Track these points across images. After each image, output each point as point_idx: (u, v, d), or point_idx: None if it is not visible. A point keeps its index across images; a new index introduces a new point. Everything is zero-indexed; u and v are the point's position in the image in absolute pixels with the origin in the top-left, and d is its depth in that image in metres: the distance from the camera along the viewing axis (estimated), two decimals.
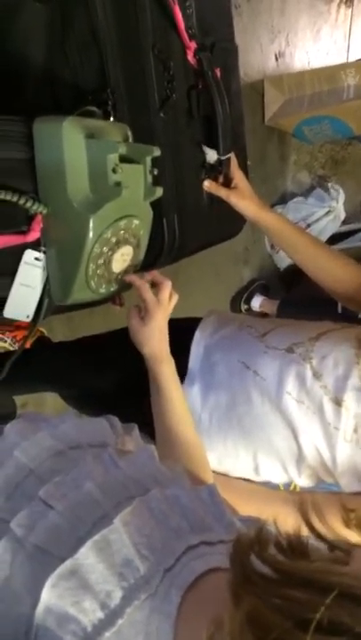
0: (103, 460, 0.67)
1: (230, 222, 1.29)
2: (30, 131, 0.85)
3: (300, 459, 1.05)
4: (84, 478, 0.61)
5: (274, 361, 1.05)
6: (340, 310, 1.81)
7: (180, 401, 0.95)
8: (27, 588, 0.52)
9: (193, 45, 1.08)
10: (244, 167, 1.22)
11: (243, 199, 1.14)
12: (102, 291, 0.93)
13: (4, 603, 0.52)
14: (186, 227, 1.14)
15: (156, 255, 1.11)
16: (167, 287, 0.98)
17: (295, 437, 1.03)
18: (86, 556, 0.51)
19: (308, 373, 1.01)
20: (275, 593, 0.41)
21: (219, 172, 1.15)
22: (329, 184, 3.28)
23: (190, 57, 1.08)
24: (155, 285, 0.98)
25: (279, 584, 0.42)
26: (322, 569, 0.42)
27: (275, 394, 1.04)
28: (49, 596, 0.49)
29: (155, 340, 0.96)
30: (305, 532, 0.46)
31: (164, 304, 0.98)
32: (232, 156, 1.15)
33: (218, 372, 1.12)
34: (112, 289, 0.96)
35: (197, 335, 1.18)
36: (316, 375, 1.01)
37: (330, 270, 1.16)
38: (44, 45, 1.03)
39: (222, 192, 1.14)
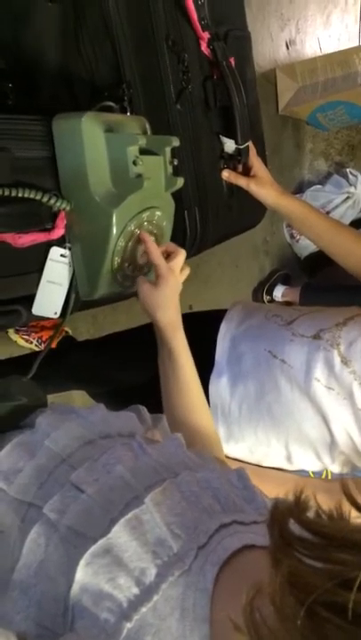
0: (133, 447, 0.68)
1: (251, 212, 1.29)
2: (50, 129, 0.85)
3: (332, 445, 1.05)
4: (114, 463, 0.62)
5: (301, 348, 1.05)
6: None
7: (191, 367, 0.94)
8: (61, 569, 0.53)
9: (206, 36, 1.08)
10: (262, 155, 1.22)
11: (263, 187, 1.14)
12: (128, 283, 0.94)
13: (41, 585, 0.53)
14: (207, 218, 1.15)
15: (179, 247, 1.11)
16: (181, 255, 0.95)
17: (326, 424, 1.03)
18: (119, 534, 0.52)
19: (337, 359, 1.01)
20: (315, 555, 0.42)
21: (238, 161, 1.15)
22: (347, 170, 3.25)
23: (204, 47, 1.08)
24: (168, 255, 0.96)
25: (320, 546, 0.42)
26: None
27: (303, 381, 1.04)
28: (83, 574, 0.50)
29: (168, 305, 0.94)
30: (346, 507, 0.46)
31: (177, 271, 0.95)
32: (250, 144, 1.15)
33: (245, 362, 1.12)
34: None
35: (223, 327, 1.18)
36: (345, 361, 1.00)
37: (355, 252, 1.15)
38: (58, 44, 1.04)
39: (242, 181, 1.14)
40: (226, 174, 1.15)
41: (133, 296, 1.05)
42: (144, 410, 0.83)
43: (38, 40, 1.05)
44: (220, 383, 1.13)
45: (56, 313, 0.92)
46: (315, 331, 1.06)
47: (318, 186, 3.22)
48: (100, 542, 0.52)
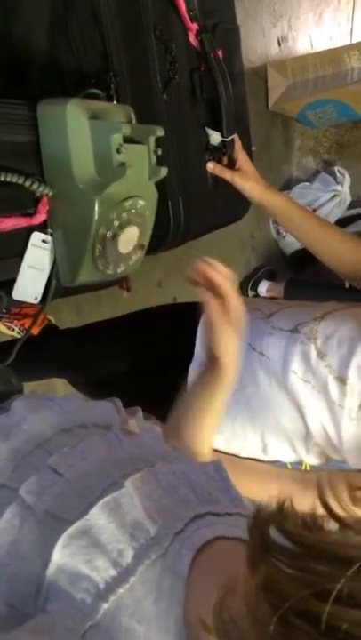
0: (109, 437, 0.68)
1: (235, 205, 1.29)
2: (34, 114, 0.85)
3: (307, 437, 1.06)
4: (91, 451, 0.63)
5: (280, 341, 1.06)
6: (347, 285, 1.81)
7: (219, 415, 0.92)
8: (36, 550, 0.53)
9: (194, 27, 1.08)
10: (248, 149, 1.23)
11: (247, 181, 1.14)
12: (110, 272, 0.94)
13: (12, 566, 0.53)
14: (191, 209, 1.15)
15: (162, 238, 1.12)
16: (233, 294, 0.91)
17: (302, 416, 1.04)
18: (97, 516, 0.53)
19: (313, 353, 1.02)
20: (293, 564, 0.42)
21: (223, 153, 1.16)
22: (335, 168, 3.27)
23: (192, 39, 1.09)
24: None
25: (298, 555, 0.42)
26: (341, 542, 0.43)
27: (281, 374, 1.05)
28: (61, 555, 0.50)
29: (237, 352, 0.91)
30: (320, 510, 0.47)
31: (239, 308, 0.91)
32: (235, 137, 1.15)
33: None
34: (119, 270, 0.97)
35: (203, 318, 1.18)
36: (320, 355, 1.01)
37: (338, 250, 1.15)
38: (47, 31, 1.04)
39: (226, 174, 1.15)
40: (211, 166, 1.15)
41: (115, 284, 1.06)
42: (119, 402, 0.83)
43: (27, 28, 1.05)
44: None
45: (36, 298, 0.93)
46: (293, 324, 1.07)
47: (306, 183, 3.23)
48: (78, 524, 0.52)
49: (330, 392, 0.99)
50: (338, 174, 3.23)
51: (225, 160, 1.17)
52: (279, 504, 0.47)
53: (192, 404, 0.93)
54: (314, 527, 0.45)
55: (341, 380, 0.98)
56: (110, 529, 0.52)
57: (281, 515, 0.46)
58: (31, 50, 1.05)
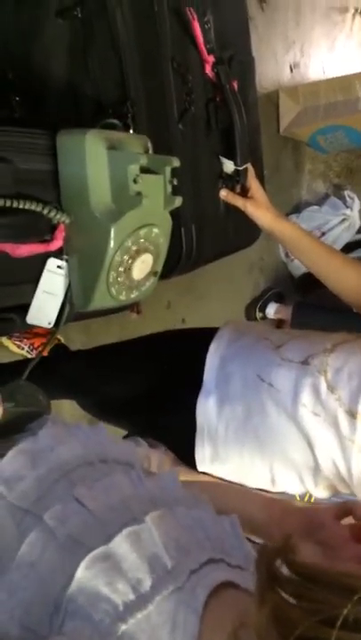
0: (131, 476, 0.70)
1: (246, 232, 1.31)
2: (53, 143, 0.87)
3: (316, 470, 1.06)
4: (114, 488, 0.65)
5: (289, 373, 1.06)
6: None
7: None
8: (55, 573, 0.55)
9: (211, 59, 1.10)
10: (260, 177, 1.24)
11: (259, 209, 1.16)
12: (123, 298, 0.96)
13: (29, 589, 0.55)
14: (203, 236, 1.17)
15: (175, 263, 1.13)
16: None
17: (311, 449, 1.04)
18: (119, 544, 0.55)
19: (323, 385, 1.02)
20: (300, 594, 0.44)
21: (236, 182, 1.17)
22: (345, 192, 3.29)
23: (208, 70, 1.11)
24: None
25: (304, 586, 0.44)
26: (345, 572, 0.44)
27: (290, 406, 1.05)
28: (83, 575, 0.52)
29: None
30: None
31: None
32: (249, 166, 1.17)
33: (233, 384, 1.13)
34: (132, 296, 0.98)
35: (213, 345, 1.19)
36: (330, 388, 1.01)
37: (346, 279, 1.16)
38: (66, 60, 1.06)
39: (239, 202, 1.16)
40: (224, 194, 1.17)
41: (126, 309, 1.07)
42: (141, 440, 0.85)
43: (47, 55, 1.07)
44: (208, 404, 1.14)
45: (50, 323, 0.94)
46: (303, 356, 1.07)
47: (315, 207, 3.25)
48: (101, 548, 0.54)
49: (340, 426, 0.99)
50: (348, 198, 3.25)
51: (238, 188, 1.18)
52: (285, 539, 0.48)
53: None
54: (320, 559, 0.47)
55: (352, 414, 0.98)
56: (131, 558, 0.54)
57: (286, 548, 0.47)
58: (50, 77, 1.08)
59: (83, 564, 0.52)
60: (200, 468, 1.16)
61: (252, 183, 1.18)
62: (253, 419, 1.09)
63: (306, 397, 1.03)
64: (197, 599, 0.51)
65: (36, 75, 1.07)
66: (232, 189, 1.18)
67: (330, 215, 3.17)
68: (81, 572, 0.52)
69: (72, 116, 1.06)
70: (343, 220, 3.16)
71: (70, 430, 0.76)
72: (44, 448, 0.70)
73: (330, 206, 3.22)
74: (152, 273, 1.00)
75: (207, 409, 1.14)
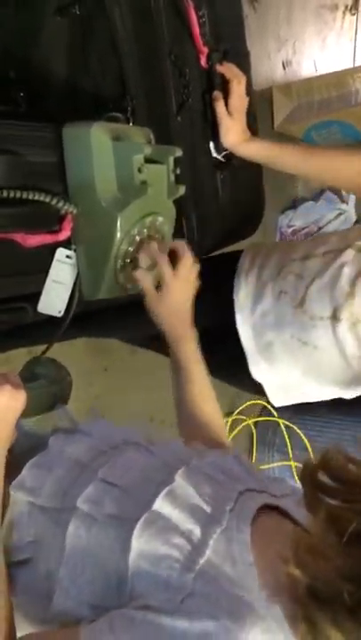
0: (141, 451, 0.75)
1: (246, 221, 1.33)
2: (59, 136, 0.90)
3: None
4: (131, 463, 0.70)
5: (326, 333, 1.08)
6: None
7: (200, 379, 0.94)
8: (107, 550, 0.59)
9: (206, 50, 1.12)
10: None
11: (230, 130, 1.13)
12: (130, 286, 0.98)
13: (88, 571, 0.60)
14: (204, 225, 1.19)
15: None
16: (187, 259, 0.93)
17: None
18: (161, 506, 0.60)
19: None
20: (348, 498, 0.50)
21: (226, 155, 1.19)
22: None
23: (203, 62, 1.13)
24: (175, 257, 0.93)
25: (350, 491, 0.51)
26: None
27: (340, 358, 1.09)
28: (138, 543, 0.57)
29: (173, 318, 0.92)
30: None
31: (183, 278, 0.92)
32: (243, 80, 1.15)
33: (277, 351, 1.15)
34: (139, 285, 1.00)
35: (238, 317, 1.18)
36: None
37: (337, 173, 1.17)
38: (66, 56, 1.08)
39: (221, 110, 1.12)
40: (215, 95, 1.14)
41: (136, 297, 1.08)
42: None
43: (47, 52, 1.10)
44: (261, 370, 1.18)
45: (60, 312, 0.96)
46: (330, 309, 1.07)
47: (311, 202, 3.27)
48: (147, 514, 0.59)
49: None
50: (343, 193, 3.27)
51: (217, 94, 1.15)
52: (323, 453, 0.55)
53: (175, 380, 0.96)
54: (356, 463, 0.53)
55: None
56: (175, 514, 0.59)
57: (326, 459, 0.54)
58: (51, 73, 1.10)
59: (135, 532, 0.57)
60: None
61: (237, 103, 1.14)
62: (311, 373, 1.15)
63: (351, 349, 1.07)
64: (244, 532, 0.57)
65: (37, 72, 1.09)
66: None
67: (326, 210, 3.19)
68: (136, 540, 0.57)
69: (73, 111, 1.08)
70: (339, 214, 3.18)
71: (73, 434, 0.80)
72: (54, 454, 0.75)
73: (326, 201, 3.25)
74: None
75: (261, 374, 1.19)
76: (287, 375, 1.17)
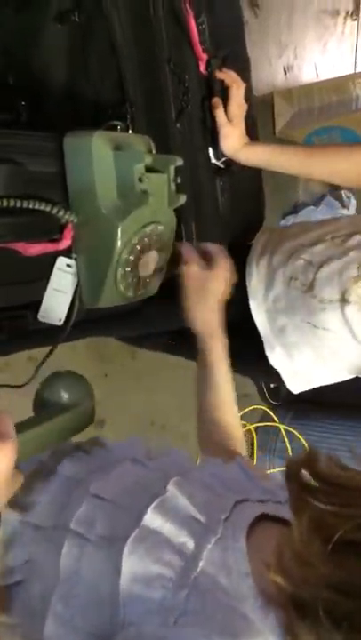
0: (137, 463, 0.74)
1: (245, 229, 1.33)
2: (60, 145, 0.90)
3: None
4: (125, 475, 0.68)
5: (335, 315, 1.10)
6: None
7: (224, 383, 0.96)
8: (101, 573, 0.58)
9: (205, 57, 1.13)
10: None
11: (230, 135, 1.16)
12: (130, 295, 0.98)
13: (82, 596, 0.58)
14: (203, 232, 1.19)
15: (177, 261, 1.15)
16: (224, 261, 0.99)
17: None
18: (152, 520, 0.58)
19: None
20: (333, 501, 0.48)
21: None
22: (342, 192, 3.32)
23: (203, 68, 1.13)
24: (207, 258, 0.99)
25: (336, 493, 0.49)
26: None
27: (354, 340, 1.11)
28: (130, 564, 0.55)
29: (208, 316, 0.98)
30: None
31: (221, 278, 0.98)
32: (241, 86, 1.17)
33: (290, 335, 1.18)
34: (139, 293, 1.01)
35: (252, 303, 1.21)
36: None
37: (335, 169, 1.18)
38: (65, 64, 1.09)
39: (221, 118, 1.15)
40: (214, 101, 1.15)
41: (137, 306, 1.09)
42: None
43: (47, 59, 1.10)
44: (276, 354, 1.20)
45: (60, 320, 0.96)
46: (339, 293, 1.10)
47: (312, 207, 3.28)
48: (137, 532, 0.57)
49: None
50: (344, 198, 3.27)
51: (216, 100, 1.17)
52: (307, 452, 0.53)
53: (200, 378, 0.97)
54: (343, 467, 0.52)
55: None
56: (167, 527, 0.57)
57: (310, 459, 0.52)
58: (50, 82, 1.10)
59: (126, 551, 0.55)
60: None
61: (236, 110, 1.16)
62: (327, 358, 1.17)
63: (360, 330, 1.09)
64: (239, 540, 0.55)
65: (37, 79, 1.09)
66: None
67: (326, 215, 3.20)
68: (127, 560, 0.55)
69: (73, 118, 1.08)
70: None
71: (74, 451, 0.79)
72: (47, 473, 0.74)
73: (326, 206, 3.25)
74: (158, 270, 1.02)
75: (277, 359, 1.20)
76: (301, 359, 1.19)
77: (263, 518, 0.59)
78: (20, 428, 0.64)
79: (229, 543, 0.56)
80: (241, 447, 0.93)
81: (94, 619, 0.56)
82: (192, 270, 1.00)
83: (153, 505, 0.59)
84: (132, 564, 0.55)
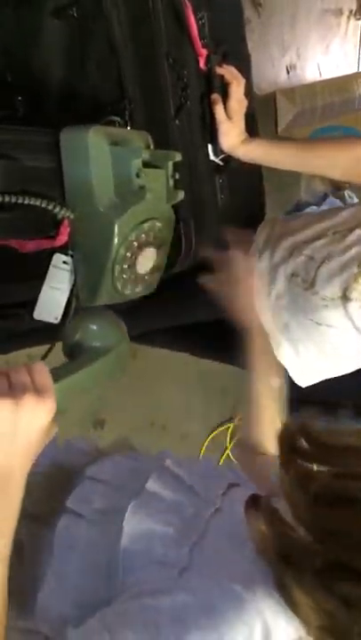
0: (129, 455, 0.77)
1: (246, 225, 1.32)
2: (56, 141, 0.89)
3: None
4: (119, 462, 0.69)
5: (337, 312, 1.10)
6: None
7: (261, 369, 1.01)
8: (96, 545, 0.60)
9: (205, 53, 1.12)
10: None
11: (230, 132, 1.16)
12: (128, 292, 0.97)
13: (75, 568, 0.60)
14: (202, 230, 1.18)
15: (174, 258, 1.14)
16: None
17: None
18: (153, 487, 0.61)
19: None
20: (319, 460, 0.50)
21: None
22: (345, 192, 3.31)
23: (202, 64, 1.12)
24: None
25: (322, 453, 0.51)
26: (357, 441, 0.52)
27: (358, 335, 1.11)
28: (131, 525, 0.57)
29: (252, 309, 1.04)
30: None
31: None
32: (242, 82, 1.16)
33: (293, 331, 1.18)
34: (137, 290, 0.99)
35: (256, 300, 1.18)
36: None
37: (334, 162, 1.18)
38: (63, 60, 1.08)
39: (220, 115, 1.14)
40: (214, 98, 1.15)
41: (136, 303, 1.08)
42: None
43: (45, 55, 1.09)
44: (283, 350, 1.21)
45: (57, 318, 0.95)
46: (340, 290, 1.10)
47: (314, 207, 3.26)
48: (140, 496, 0.60)
49: None
50: (347, 198, 3.26)
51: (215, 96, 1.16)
52: (303, 420, 0.55)
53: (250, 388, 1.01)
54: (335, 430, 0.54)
55: None
56: (167, 494, 0.60)
57: (304, 426, 0.54)
58: (48, 77, 1.09)
59: (127, 515, 0.57)
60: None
61: (235, 106, 1.16)
62: (329, 354, 1.17)
63: None
64: (237, 511, 0.56)
65: (34, 75, 1.08)
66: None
67: None
68: (129, 522, 0.57)
69: (71, 113, 1.07)
70: None
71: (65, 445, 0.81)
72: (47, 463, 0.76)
73: (328, 206, 3.24)
74: (156, 267, 1.01)
75: (283, 353, 1.21)
76: (307, 354, 1.20)
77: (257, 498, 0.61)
78: (57, 376, 0.61)
79: (228, 514, 0.58)
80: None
81: (89, 587, 0.58)
82: (239, 258, 1.06)
83: (153, 476, 0.62)
84: (134, 524, 0.57)
